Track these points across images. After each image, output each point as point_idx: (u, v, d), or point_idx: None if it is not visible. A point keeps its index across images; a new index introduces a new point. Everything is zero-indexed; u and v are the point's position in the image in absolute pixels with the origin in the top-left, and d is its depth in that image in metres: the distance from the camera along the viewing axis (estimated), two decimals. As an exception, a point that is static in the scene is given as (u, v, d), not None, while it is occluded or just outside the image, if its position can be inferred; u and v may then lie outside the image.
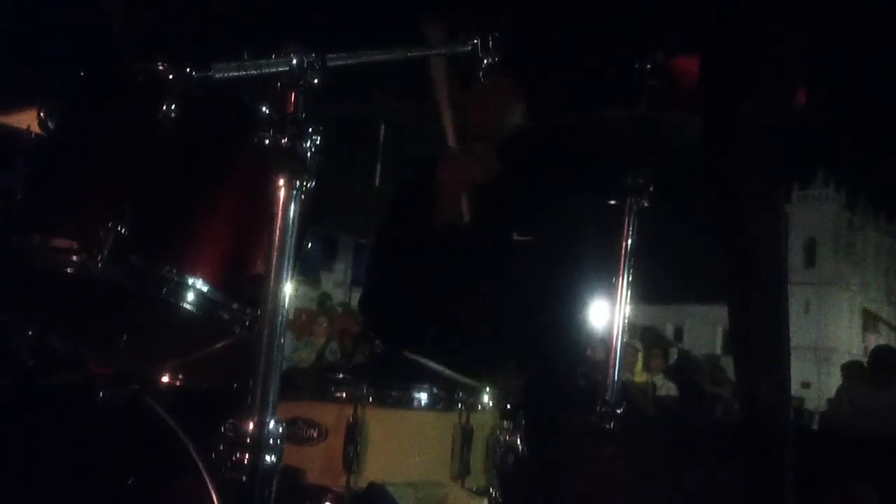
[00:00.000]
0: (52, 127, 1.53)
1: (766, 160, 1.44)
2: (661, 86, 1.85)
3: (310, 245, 1.71)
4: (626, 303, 1.95)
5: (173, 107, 1.40)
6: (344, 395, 1.61)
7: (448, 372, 2.08)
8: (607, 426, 1.80)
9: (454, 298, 2.42)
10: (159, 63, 1.43)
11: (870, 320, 61.50)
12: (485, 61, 1.71)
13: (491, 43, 1.69)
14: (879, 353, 7.74)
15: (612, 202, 1.96)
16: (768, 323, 1.46)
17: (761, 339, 1.47)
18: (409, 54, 1.56)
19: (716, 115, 1.46)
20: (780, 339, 1.50)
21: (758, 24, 1.41)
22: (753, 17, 1.42)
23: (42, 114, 1.53)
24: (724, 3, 1.45)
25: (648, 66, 1.87)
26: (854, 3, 1.60)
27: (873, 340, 44.46)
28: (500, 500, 1.74)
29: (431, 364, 2.01)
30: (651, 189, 1.93)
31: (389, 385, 1.66)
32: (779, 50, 1.41)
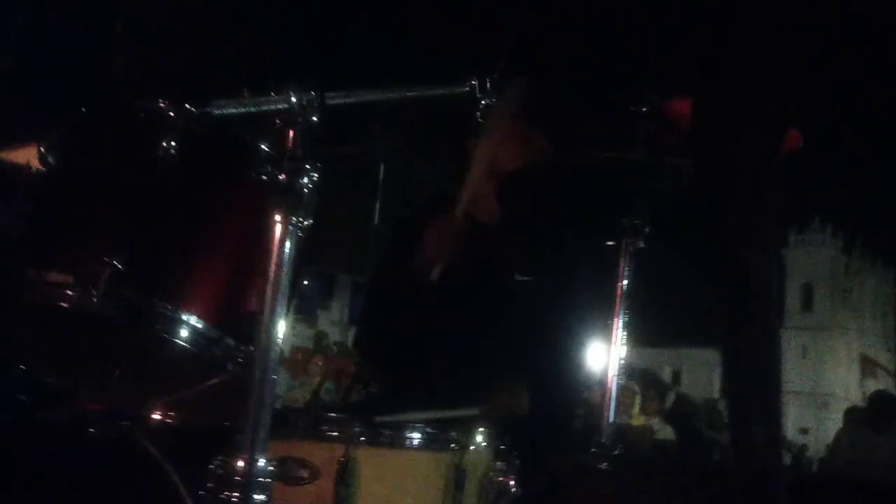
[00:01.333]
0: (52, 162, 1.54)
1: (757, 202, 1.45)
2: (656, 129, 1.87)
3: (306, 282, 1.72)
4: (621, 344, 1.94)
5: (173, 143, 1.41)
6: (336, 434, 1.60)
7: (441, 414, 2.07)
8: (602, 467, 1.79)
9: (454, 338, 2.42)
10: (160, 100, 1.45)
11: (868, 366, 61.28)
12: (483, 102, 1.73)
13: (489, 84, 1.72)
14: (878, 399, 7.70)
15: (610, 243, 1.97)
16: (760, 365, 1.46)
17: (753, 382, 1.47)
18: (407, 94, 1.58)
19: (706, 157, 1.47)
20: (771, 381, 1.49)
21: (747, 66, 1.43)
22: (743, 61, 1.44)
23: (42, 149, 1.54)
24: (715, 46, 1.47)
25: (644, 110, 1.89)
26: (847, 49, 1.62)
27: (872, 385, 44.25)
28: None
29: (423, 415, 2.00)
30: (647, 230, 1.94)
31: (382, 424, 1.65)
32: (767, 93, 1.43)
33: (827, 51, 1.53)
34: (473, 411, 2.21)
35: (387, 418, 1.81)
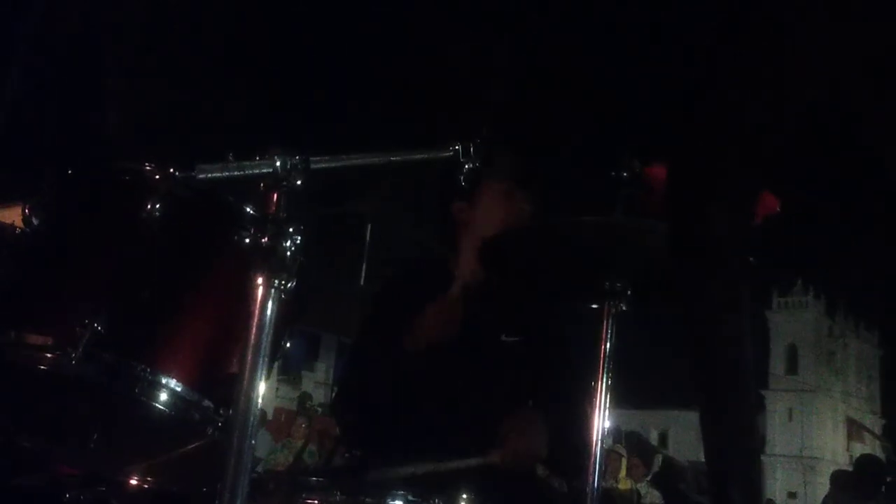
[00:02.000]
0: (35, 223, 1.54)
1: (730, 267, 1.46)
2: (636, 193, 1.90)
3: (288, 345, 1.71)
4: (606, 406, 1.93)
5: (157, 206, 1.41)
6: (315, 501, 1.58)
7: (448, 465, 2.04)
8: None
9: (439, 401, 2.40)
10: (145, 163, 1.46)
11: (854, 428, 61.03)
12: (466, 166, 1.75)
13: (472, 149, 1.74)
14: (865, 463, 7.68)
15: (594, 306, 1.98)
16: (738, 431, 1.46)
17: (731, 447, 1.46)
18: (391, 158, 1.60)
19: (680, 220, 1.49)
20: (750, 446, 1.49)
21: (720, 130, 1.46)
22: (716, 124, 1.47)
23: (27, 210, 1.54)
24: (689, 110, 1.51)
25: (624, 174, 1.92)
26: (824, 113, 1.66)
27: (858, 449, 43.98)
28: None
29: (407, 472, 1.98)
30: (629, 293, 1.95)
31: (362, 491, 1.62)
32: (741, 156, 1.45)
33: (804, 114, 1.56)
34: (473, 462, 2.18)
35: (388, 471, 1.78)
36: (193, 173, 1.28)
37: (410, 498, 1.64)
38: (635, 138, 2.00)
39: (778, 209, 1.87)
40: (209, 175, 1.29)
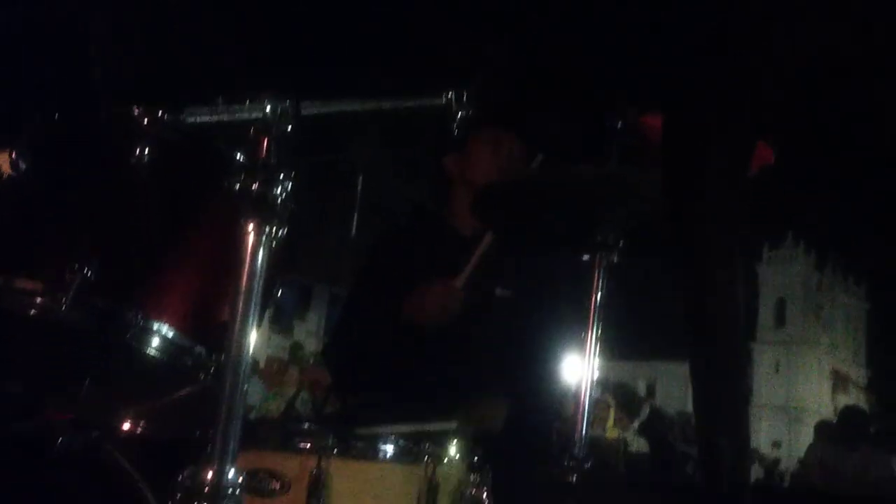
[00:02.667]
0: (23, 168, 1.52)
1: (724, 216, 1.46)
2: (632, 143, 1.88)
3: (280, 292, 1.71)
4: (595, 357, 1.95)
5: (146, 150, 1.40)
6: (308, 446, 1.59)
7: (419, 426, 2.06)
8: (570, 480, 1.79)
9: (431, 353, 2.41)
10: (133, 107, 1.44)
11: (839, 380, 61.98)
12: (459, 114, 1.73)
13: (465, 96, 1.72)
14: (849, 414, 7.80)
15: (585, 258, 1.98)
16: (726, 379, 1.47)
17: (719, 396, 1.47)
18: (383, 105, 1.58)
19: (674, 170, 1.48)
20: (738, 395, 1.50)
21: (715, 78, 1.45)
22: (711, 72, 1.45)
23: (14, 154, 1.52)
24: (685, 59, 1.49)
25: (620, 124, 1.90)
26: (821, 62, 1.64)
27: (843, 400, 44.72)
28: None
29: (402, 427, 1.99)
30: (621, 245, 1.95)
31: (355, 436, 1.64)
32: (736, 105, 1.44)
33: (799, 64, 1.55)
34: (451, 424, 2.21)
35: (363, 430, 1.80)
36: (182, 116, 1.26)
37: (402, 443, 1.66)
38: (631, 87, 1.98)
39: (772, 160, 1.86)
40: (198, 119, 1.27)
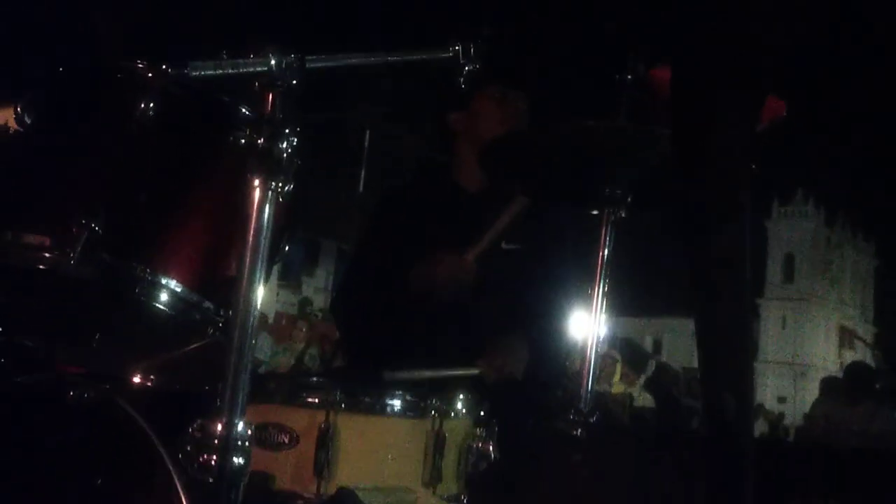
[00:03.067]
0: (28, 122, 1.52)
1: (733, 171, 1.45)
2: (641, 97, 1.86)
3: (287, 248, 1.71)
4: (602, 312, 1.95)
5: (151, 105, 1.39)
6: (316, 400, 1.60)
7: (446, 372, 2.08)
8: (575, 434, 1.80)
9: (439, 308, 2.42)
10: (138, 61, 1.43)
11: (846, 336, 62.09)
12: (466, 68, 1.71)
13: (472, 50, 1.70)
14: (854, 370, 7.82)
15: (593, 212, 1.97)
16: (731, 334, 1.47)
17: (724, 351, 1.48)
18: (389, 59, 1.56)
19: (683, 123, 1.47)
20: (743, 350, 1.51)
21: (727, 29, 1.42)
22: (723, 23, 1.43)
23: (19, 109, 1.52)
24: (694, 11, 1.46)
25: (629, 78, 1.88)
26: (834, 17, 1.61)
27: (849, 356, 44.82)
28: (471, 507, 1.73)
29: (409, 374, 2.01)
30: (629, 200, 1.94)
31: (362, 391, 1.65)
32: (748, 58, 1.42)
33: (812, 16, 1.52)
34: (475, 370, 2.23)
35: (389, 375, 1.81)
36: (187, 71, 1.25)
37: (409, 398, 1.68)
38: (640, 40, 1.95)
39: (784, 114, 1.84)
40: (203, 73, 1.26)
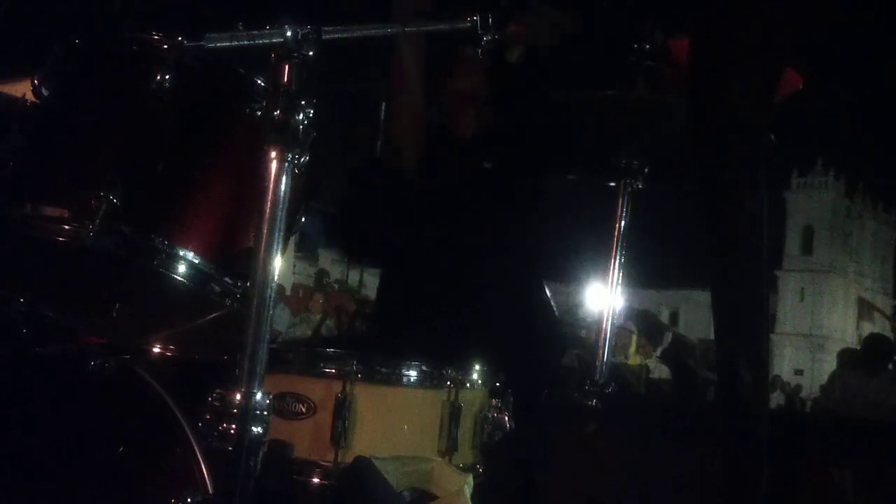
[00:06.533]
0: (45, 95, 1.52)
1: (751, 143, 1.44)
2: (659, 67, 1.84)
3: (304, 220, 1.71)
4: (618, 284, 1.95)
5: (167, 77, 1.39)
6: (333, 370, 1.62)
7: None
8: (590, 403, 1.81)
9: (452, 278, 2.42)
10: (153, 33, 1.43)
11: (865, 308, 61.67)
12: (484, 38, 1.70)
13: (490, 20, 1.68)
14: (872, 341, 7.78)
15: (610, 184, 1.96)
16: (748, 306, 1.47)
17: (740, 323, 1.47)
18: (406, 29, 1.55)
19: (701, 95, 1.45)
20: (759, 323, 1.50)
21: (745, 6, 1.40)
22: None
23: (36, 81, 1.52)
24: None
25: (647, 47, 1.86)
26: None
27: (868, 328, 44.58)
28: (486, 476, 1.75)
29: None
30: (646, 171, 1.93)
31: (379, 361, 1.67)
32: (765, 29, 1.40)
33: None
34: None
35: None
36: (202, 42, 1.25)
37: (424, 368, 1.69)
38: (659, 9, 1.93)
39: (801, 87, 1.82)
40: (218, 44, 1.26)
